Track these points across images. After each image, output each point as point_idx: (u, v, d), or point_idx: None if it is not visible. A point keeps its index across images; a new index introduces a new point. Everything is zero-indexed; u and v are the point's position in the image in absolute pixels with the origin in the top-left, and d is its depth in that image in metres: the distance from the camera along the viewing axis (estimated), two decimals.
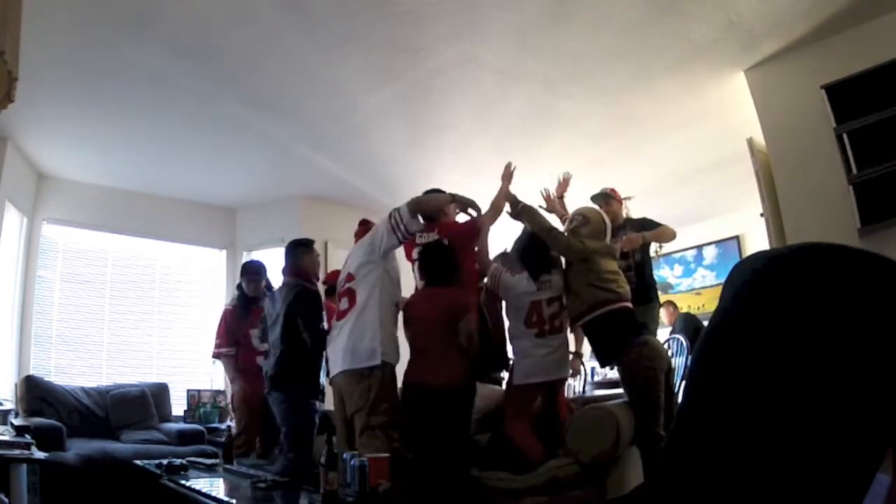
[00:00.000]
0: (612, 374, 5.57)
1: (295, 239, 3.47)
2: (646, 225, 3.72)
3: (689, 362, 3.67)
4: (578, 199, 4.37)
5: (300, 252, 3.38)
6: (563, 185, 3.78)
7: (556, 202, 3.60)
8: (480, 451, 2.81)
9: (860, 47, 3.25)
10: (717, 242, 6.71)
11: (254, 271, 4.01)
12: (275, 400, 3.22)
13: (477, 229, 2.98)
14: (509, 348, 3.02)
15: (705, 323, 2.07)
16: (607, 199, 3.86)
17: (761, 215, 3.72)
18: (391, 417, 2.63)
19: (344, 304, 2.81)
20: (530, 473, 2.47)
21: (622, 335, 2.68)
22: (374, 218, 3.33)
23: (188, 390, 5.22)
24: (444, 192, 3.02)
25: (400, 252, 3.02)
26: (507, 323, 2.98)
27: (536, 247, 2.85)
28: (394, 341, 2.76)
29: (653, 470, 2.38)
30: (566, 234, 2.93)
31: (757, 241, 5.91)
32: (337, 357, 2.77)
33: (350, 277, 2.83)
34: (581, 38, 3.42)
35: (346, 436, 2.77)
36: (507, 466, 2.60)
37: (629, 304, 2.79)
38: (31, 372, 4.50)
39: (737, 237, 6.54)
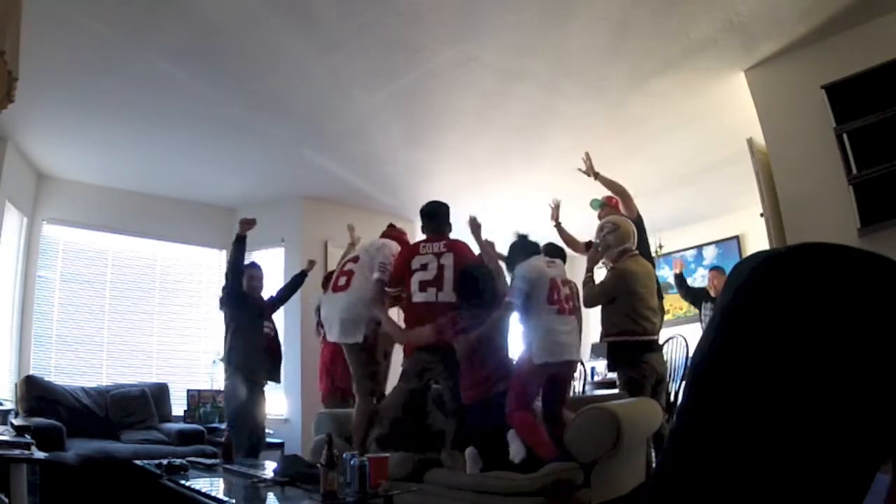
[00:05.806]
0: (612, 374, 5.58)
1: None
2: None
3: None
4: (579, 200, 4.39)
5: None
6: (555, 211, 4.12)
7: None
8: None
9: (860, 47, 3.24)
10: (717, 242, 6.70)
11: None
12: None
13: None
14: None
15: None
16: (602, 207, 4.03)
17: (761, 215, 3.72)
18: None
19: (342, 281, 3.37)
20: (533, 474, 2.46)
21: None
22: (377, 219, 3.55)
23: (188, 390, 5.23)
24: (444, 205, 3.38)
25: None
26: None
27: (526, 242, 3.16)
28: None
29: (653, 469, 2.38)
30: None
31: (757, 241, 5.90)
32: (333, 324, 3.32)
33: (356, 259, 3.43)
34: (581, 37, 3.42)
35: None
36: (507, 464, 2.60)
37: None
38: (31, 372, 4.51)
39: (737, 237, 6.53)
